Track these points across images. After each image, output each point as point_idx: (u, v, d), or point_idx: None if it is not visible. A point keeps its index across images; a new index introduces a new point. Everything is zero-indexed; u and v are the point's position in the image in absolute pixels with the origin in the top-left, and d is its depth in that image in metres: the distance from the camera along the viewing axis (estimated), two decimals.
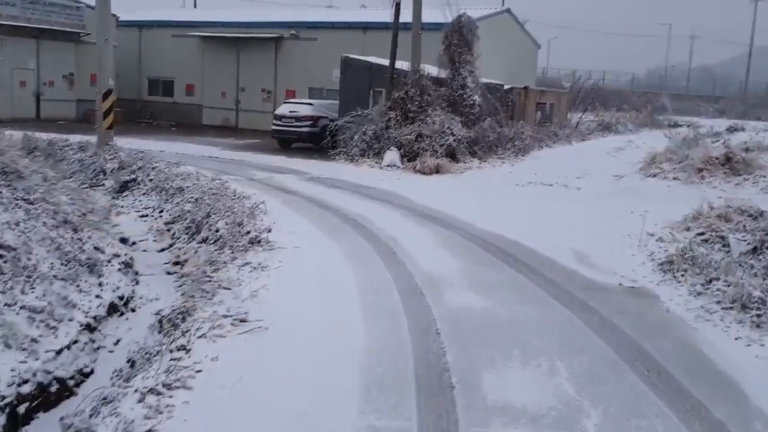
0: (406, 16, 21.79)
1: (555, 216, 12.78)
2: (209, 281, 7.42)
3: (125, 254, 10.36)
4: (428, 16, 22.24)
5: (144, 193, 14.95)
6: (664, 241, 10.50)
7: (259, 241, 8.92)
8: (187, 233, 11.38)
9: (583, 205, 14.12)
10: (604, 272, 8.89)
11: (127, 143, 22.93)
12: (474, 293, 7.49)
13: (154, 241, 12.43)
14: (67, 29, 31.02)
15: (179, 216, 12.00)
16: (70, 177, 17.55)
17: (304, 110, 23.80)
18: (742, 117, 42.93)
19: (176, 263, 10.47)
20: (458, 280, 8.03)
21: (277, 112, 24.44)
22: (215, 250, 9.57)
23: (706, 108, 51.23)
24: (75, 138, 20.17)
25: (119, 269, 9.60)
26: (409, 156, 19.17)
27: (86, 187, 16.91)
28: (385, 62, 21.90)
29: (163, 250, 11.76)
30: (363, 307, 6.94)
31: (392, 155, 19.07)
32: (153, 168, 15.77)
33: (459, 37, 21.83)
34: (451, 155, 19.20)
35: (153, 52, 34.89)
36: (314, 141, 23.06)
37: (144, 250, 11.85)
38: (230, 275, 7.51)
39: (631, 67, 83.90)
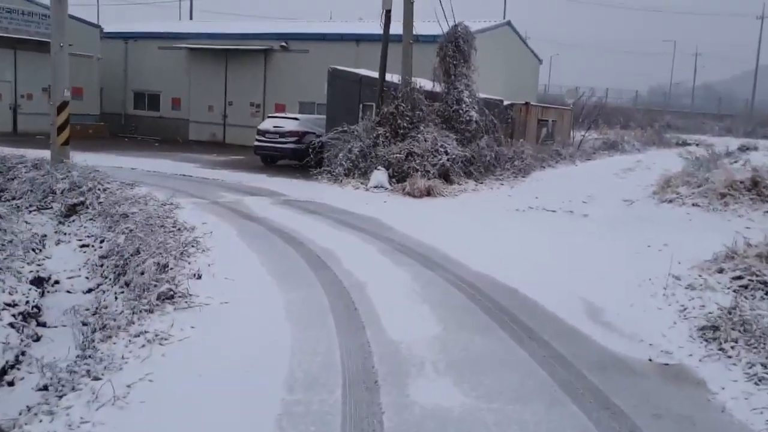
0: (399, 28, 19.75)
1: (560, 251, 10.62)
2: (87, 359, 5.26)
3: (28, 302, 8.23)
4: (423, 28, 20.18)
5: (90, 219, 12.85)
6: (695, 288, 8.32)
7: (172, 297, 6.73)
8: (114, 272, 9.25)
9: (591, 236, 11.96)
10: (626, 337, 6.71)
11: (97, 160, 20.91)
12: (452, 382, 5.26)
13: (87, 278, 10.32)
14: (46, 40, 29.01)
15: (111, 250, 9.88)
16: (20, 198, 15.56)
17: (289, 125, 21.73)
18: (750, 135, 40.88)
19: (95, 312, 8.33)
20: (434, 356, 5.82)
21: (260, 126, 22.36)
22: (133, 298, 7.43)
23: (711, 126, 49.20)
24: (36, 154, 18.13)
25: (11, 323, 7.47)
26: (399, 176, 17.05)
27: (34, 210, 14.84)
28: (376, 75, 19.84)
29: (90, 291, 9.64)
30: (282, 418, 4.63)
31: (380, 175, 16.94)
32: (104, 189, 13.67)
33: (455, 48, 19.75)
34: (445, 176, 17.07)
35: (139, 64, 32.93)
36: (300, 158, 20.97)
37: (68, 291, 9.73)
38: (115, 351, 5.33)
39: (634, 84, 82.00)
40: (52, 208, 14.30)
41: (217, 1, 50.17)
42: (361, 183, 17.10)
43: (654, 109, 55.42)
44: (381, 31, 19.81)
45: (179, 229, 9.67)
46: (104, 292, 9.03)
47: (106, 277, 9.46)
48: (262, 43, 29.70)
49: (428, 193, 15.97)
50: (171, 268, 7.69)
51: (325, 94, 21.69)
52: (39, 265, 10.30)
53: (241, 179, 18.03)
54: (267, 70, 29.93)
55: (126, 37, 33.14)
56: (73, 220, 13.39)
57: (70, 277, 10.38)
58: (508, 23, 30.42)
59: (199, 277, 7.48)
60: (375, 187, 16.73)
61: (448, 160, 17.21)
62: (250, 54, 29.92)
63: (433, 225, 12.53)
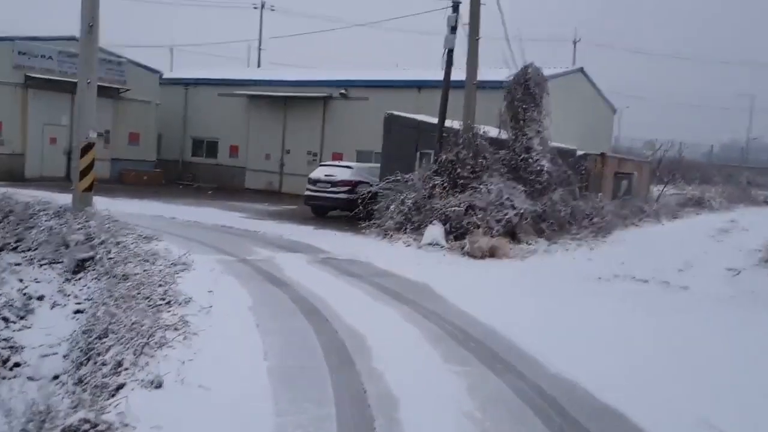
0: (461, 75, 17.40)
1: (664, 343, 7.79)
2: None
3: None
4: (487, 74, 17.78)
5: (95, 278, 10.68)
6: None
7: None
8: (82, 355, 6.91)
9: (699, 319, 9.08)
10: None
11: (139, 207, 19.14)
12: None
13: (64, 356, 8.03)
14: (106, 84, 27.86)
15: (87, 325, 7.57)
16: (36, 249, 13.62)
17: (342, 174, 19.48)
18: None
19: (30, 419, 5.96)
20: None
21: (311, 175, 20.18)
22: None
23: None
24: (62, 200, 16.31)
25: None
26: (457, 233, 14.45)
27: (45, 264, 12.84)
28: (436, 120, 17.48)
29: (56, 377, 7.32)
30: None
31: (435, 231, 14.38)
32: (117, 243, 11.51)
33: (524, 91, 17.23)
34: (511, 234, 14.38)
35: (198, 111, 31.52)
36: (352, 209, 18.63)
37: (30, 378, 7.44)
38: None
39: (704, 139, 77.53)
40: (63, 262, 12.29)
41: (280, 51, 49.25)
42: (414, 239, 14.56)
43: (730, 164, 51.33)
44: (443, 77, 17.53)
45: (168, 303, 7.26)
46: (63, 384, 6.69)
47: (74, 361, 7.14)
48: (321, 90, 27.85)
49: (491, 253, 13.30)
50: (125, 369, 5.26)
51: (381, 143, 19.49)
52: (6, 341, 8.08)
53: (284, 232, 15.73)
54: (325, 118, 27.99)
55: (186, 83, 31.86)
56: (80, 278, 11.27)
57: (44, 355, 8.12)
58: (581, 70, 27.74)
59: (159, 386, 5.03)
60: (429, 244, 14.17)
61: (515, 215, 14.54)
62: (309, 101, 28.09)
63: (497, 298, 9.85)
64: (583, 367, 6.50)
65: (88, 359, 6.38)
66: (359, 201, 17.17)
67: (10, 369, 7.40)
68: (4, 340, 8.05)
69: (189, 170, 31.60)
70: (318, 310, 8.23)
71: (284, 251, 12.97)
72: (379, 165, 19.58)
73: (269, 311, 8.01)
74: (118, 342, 6.07)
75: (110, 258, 10.92)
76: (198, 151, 31.80)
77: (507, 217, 14.43)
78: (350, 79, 27.54)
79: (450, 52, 16.77)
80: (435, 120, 17.63)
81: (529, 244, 14.34)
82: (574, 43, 50.98)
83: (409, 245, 14.26)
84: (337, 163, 21.61)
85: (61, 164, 27.34)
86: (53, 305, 10.22)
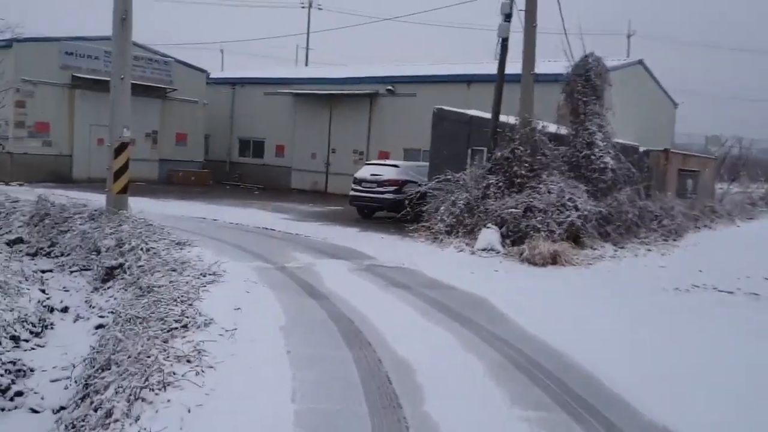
0: (516, 68, 16.00)
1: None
2: None
3: None
4: (542, 67, 16.30)
5: (122, 288, 9.68)
6: None
7: None
8: (82, 389, 5.82)
9: None
10: None
11: (182, 209, 18.28)
12: None
13: (75, 382, 6.96)
14: (152, 84, 27.25)
15: (93, 352, 6.50)
16: (68, 254, 12.80)
17: (388, 173, 18.25)
18: None
19: None
20: None
21: (356, 175, 19.00)
22: None
23: None
24: (100, 202, 15.50)
25: None
26: (514, 237, 13.07)
27: (76, 270, 11.98)
28: (488, 115, 16.10)
29: (61, 410, 6.25)
30: None
31: (489, 235, 13.03)
32: (147, 249, 10.50)
33: (585, 82, 15.73)
34: (574, 238, 12.93)
35: (245, 111, 30.70)
36: (399, 210, 17.39)
37: (33, 410, 6.38)
38: None
39: (764, 134, 73.94)
40: (93, 268, 11.39)
41: (327, 51, 48.30)
42: (466, 244, 13.23)
43: None
44: (494, 71, 16.15)
45: (185, 326, 6.12)
46: (61, 423, 5.60)
47: (77, 393, 6.06)
48: (367, 87, 26.68)
49: (553, 260, 11.88)
50: (115, 420, 4.12)
51: (430, 140, 18.19)
52: (12, 364, 7.06)
53: (328, 235, 14.58)
54: (372, 116, 26.81)
55: (233, 82, 31.08)
56: (109, 287, 10.31)
57: (54, 380, 7.08)
58: (641, 62, 25.90)
59: None
60: (483, 249, 12.82)
61: (578, 217, 13.07)
62: (355, 99, 26.95)
63: (567, 316, 8.46)
64: (683, 412, 5.13)
65: (85, 397, 5.28)
66: (406, 202, 15.93)
67: (11, 399, 6.37)
68: (11, 363, 7.04)
69: (236, 170, 30.83)
70: (359, 331, 7.00)
71: (326, 257, 11.80)
72: (427, 163, 18.31)
73: (303, 333, 6.80)
74: (120, 376, 4.95)
75: (140, 266, 9.91)
76: (245, 152, 31.00)
77: (569, 219, 12.97)
78: (397, 75, 26.31)
79: (504, 41, 15.35)
80: (487, 115, 16.25)
81: (594, 249, 12.86)
82: (628, 36, 48.78)
83: (461, 250, 12.94)
84: (383, 161, 20.41)
85: None
86: (76, 318, 9.26)
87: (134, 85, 26.57)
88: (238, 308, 7.05)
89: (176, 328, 5.94)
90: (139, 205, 19.03)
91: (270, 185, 28.72)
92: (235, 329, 6.22)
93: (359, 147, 26.94)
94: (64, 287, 11.16)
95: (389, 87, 26.06)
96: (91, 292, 10.60)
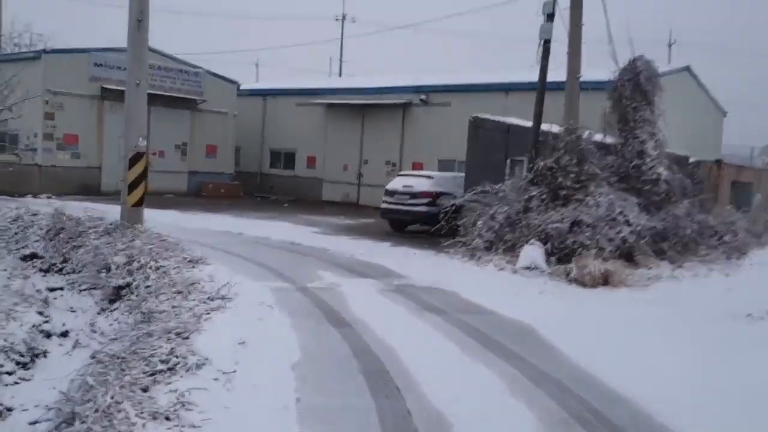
0: (558, 75, 14.77)
1: None
2: None
3: None
4: (585, 74, 14.96)
5: (127, 310, 8.68)
6: None
7: None
8: None
9: None
10: None
11: (207, 222, 17.35)
12: None
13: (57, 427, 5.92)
14: (182, 96, 26.57)
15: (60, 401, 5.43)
16: (80, 271, 11.87)
17: (421, 185, 17.09)
18: None
19: None
20: None
21: (388, 186, 17.89)
22: None
23: None
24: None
25: None
26: (560, 254, 11.79)
27: (86, 289, 11.03)
28: (528, 124, 14.87)
29: None
30: None
31: (533, 252, 11.77)
32: (157, 268, 9.49)
33: (634, 87, 14.37)
34: (626, 256, 11.60)
35: (276, 122, 29.87)
36: (433, 224, 16.21)
37: None
38: None
39: None
40: (103, 287, 10.43)
41: (361, 63, 47.47)
42: (507, 261, 11.97)
43: None
44: (534, 79, 14.95)
45: (172, 368, 5.02)
46: None
47: None
48: (400, 97, 25.60)
49: (605, 280, 10.57)
50: None
51: (466, 150, 17.02)
52: None
53: (356, 250, 13.46)
54: (405, 126, 25.71)
55: (264, 93, 30.30)
56: (115, 308, 9.32)
57: (33, 423, 6.05)
58: (687, 69, 24.35)
59: None
60: (526, 268, 11.56)
61: (631, 233, 11.74)
62: (388, 109, 25.88)
63: (629, 349, 7.16)
64: None
65: None
66: (441, 215, 14.75)
67: None
68: (20, 382, 6.03)
69: (267, 182, 29.98)
70: (386, 371, 5.83)
71: (353, 276, 10.67)
72: (463, 174, 17.11)
73: (319, 373, 5.66)
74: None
75: (147, 286, 8.89)
76: (276, 163, 30.13)
77: (621, 235, 11.64)
78: (431, 84, 25.17)
79: (546, 43, 14.11)
80: (527, 123, 15.02)
81: (649, 269, 11.49)
82: (669, 45, 46.97)
83: (501, 269, 11.69)
84: (416, 172, 19.29)
85: None
86: (75, 345, 8.24)
87: (164, 96, 26.15)
88: (243, 342, 5.94)
89: (161, 371, 4.86)
90: (163, 218, 18.22)
91: (301, 197, 27.79)
92: (235, 371, 5.11)
93: (392, 158, 25.84)
94: (70, 307, 10.21)
95: (423, 96, 24.95)
96: (98, 313, 9.63)
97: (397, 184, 17.59)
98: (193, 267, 9.51)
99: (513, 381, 5.79)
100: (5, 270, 10.37)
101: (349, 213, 22.75)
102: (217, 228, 16.43)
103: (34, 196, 22.76)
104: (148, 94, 25.12)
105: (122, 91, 24.52)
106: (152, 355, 5.10)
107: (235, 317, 6.85)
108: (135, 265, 9.77)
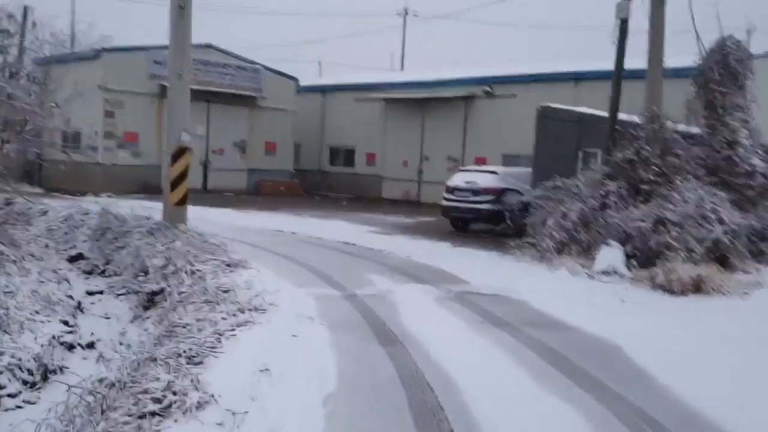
0: (636, 63, 13.22)
1: None
2: None
3: None
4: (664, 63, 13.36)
5: (158, 319, 7.78)
6: None
7: None
8: None
9: None
10: None
11: (260, 220, 16.52)
12: None
13: None
14: (241, 92, 25.94)
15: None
16: (122, 273, 11.15)
17: (485, 180, 15.81)
18: None
19: None
20: None
21: (449, 183, 16.67)
22: None
23: None
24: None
25: None
26: (642, 257, 10.34)
27: (124, 293, 10.26)
28: (602, 113, 13.39)
29: None
30: None
31: (611, 254, 10.35)
32: (193, 272, 8.57)
33: (722, 70, 12.72)
34: (720, 259, 10.05)
35: (335, 118, 29.00)
36: (498, 222, 14.92)
37: None
38: None
39: None
40: (137, 293, 9.62)
41: (423, 59, 46.17)
42: (582, 265, 10.58)
43: None
44: (606, 67, 13.44)
45: (164, 409, 3.98)
46: None
47: None
48: (462, 89, 24.28)
49: (696, 287, 9.08)
50: None
51: (533, 142, 15.62)
52: None
53: (414, 251, 12.30)
54: (467, 120, 24.38)
55: (323, 89, 29.47)
56: (148, 317, 8.46)
57: None
58: None
59: None
60: (603, 272, 10.16)
61: (724, 233, 10.18)
62: (449, 102, 24.59)
63: (740, 374, 5.78)
64: None
65: None
66: (507, 213, 13.46)
67: None
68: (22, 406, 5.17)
69: (326, 180, 29.13)
70: (440, 407, 4.65)
71: (408, 281, 9.51)
72: (530, 169, 15.72)
73: (356, 411, 4.53)
74: None
75: (181, 293, 7.97)
76: (335, 160, 29.26)
77: (713, 235, 10.09)
78: (495, 75, 23.75)
79: (624, 23, 12.58)
80: (601, 112, 13.55)
81: (747, 273, 9.91)
82: (748, 32, 43.80)
83: (575, 273, 10.31)
84: (479, 167, 18.00)
85: (198, 176, 25.62)
86: (99, 358, 7.38)
87: (223, 93, 25.57)
88: (267, 369, 4.85)
89: (152, 414, 3.82)
90: (217, 216, 17.51)
91: (360, 195, 26.81)
92: (247, 412, 4.03)
93: (454, 153, 24.55)
94: (105, 314, 9.43)
95: (487, 88, 23.57)
96: (131, 321, 8.80)
97: (458, 180, 16.35)
98: (232, 271, 8.55)
99: (602, 424, 4.53)
100: (40, 272, 9.67)
101: (408, 211, 21.61)
102: (271, 227, 15.57)
103: (96, 195, 22.50)
104: (207, 91, 24.93)
105: None
106: (146, 391, 4.08)
107: (265, 334, 5.80)
108: (170, 268, 8.89)
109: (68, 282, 10.49)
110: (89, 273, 11.88)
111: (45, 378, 6.37)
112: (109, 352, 7.50)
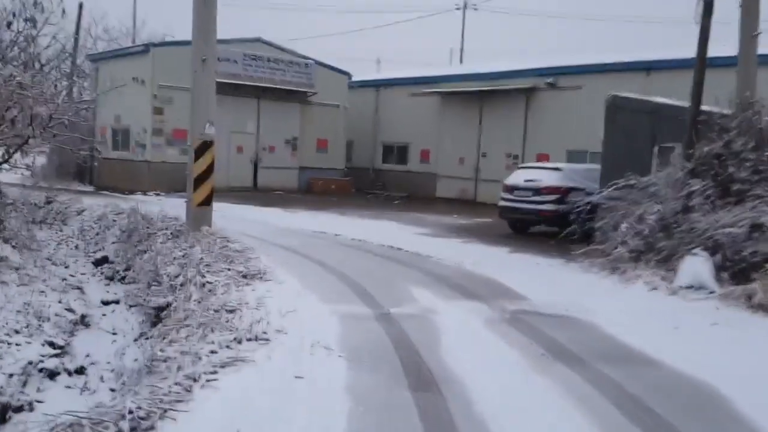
0: (720, 50, 11.38)
1: None
2: None
3: None
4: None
5: (159, 339, 6.57)
6: None
7: None
8: None
9: None
10: None
11: (304, 223, 15.31)
12: None
13: None
14: (292, 88, 24.87)
15: None
16: (139, 281, 10.08)
17: (548, 178, 14.18)
18: None
19: None
20: None
21: (507, 181, 15.09)
22: None
23: None
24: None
25: None
26: (734, 269, 8.58)
27: (133, 306, 9.19)
28: (681, 103, 11.59)
29: None
30: None
31: (697, 266, 8.64)
32: (203, 285, 7.34)
33: None
34: None
35: (389, 114, 27.65)
36: (563, 225, 13.22)
37: None
38: None
39: None
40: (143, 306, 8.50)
41: (482, 53, 44.35)
42: (662, 277, 8.90)
43: None
44: (680, 56, 11.63)
45: None
46: None
47: None
48: (523, 81, 22.53)
49: None
50: None
51: (601, 137, 13.90)
52: None
53: (466, 258, 10.82)
54: (528, 114, 22.63)
55: (377, 84, 28.15)
56: (151, 336, 7.28)
57: None
58: None
59: None
60: (688, 287, 8.47)
61: None
62: (509, 95, 22.88)
63: None
64: None
65: None
66: (572, 215, 11.82)
67: None
68: None
69: (379, 178, 27.83)
70: None
71: (456, 296, 8.06)
72: (598, 166, 13.98)
73: None
74: None
75: (186, 309, 6.75)
76: (389, 158, 27.91)
77: None
78: (559, 66, 21.90)
79: (708, 0, 10.74)
80: (680, 102, 11.74)
81: None
82: None
83: (654, 288, 8.65)
84: (540, 164, 16.31)
85: (249, 174, 24.75)
86: (83, 390, 6.23)
87: (274, 89, 24.52)
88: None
89: None
90: (262, 216, 16.45)
91: (414, 194, 25.40)
92: None
93: (513, 150, 22.84)
94: (113, 329, 8.35)
95: (549, 80, 21.78)
96: (135, 340, 7.66)
97: (517, 178, 14.76)
98: (247, 284, 7.29)
99: None
100: (45, 281, 8.65)
101: (463, 211, 20.07)
102: (314, 228, 14.35)
103: (144, 193, 21.85)
104: (257, 87, 23.95)
105: (232, 85, 23.47)
106: None
107: (255, 379, 4.46)
108: (180, 279, 7.69)
109: (81, 290, 9.49)
110: (110, 279, 10.92)
111: (3, 419, 5.22)
112: (96, 380, 6.35)
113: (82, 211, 15.51)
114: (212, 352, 4.83)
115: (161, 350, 5.05)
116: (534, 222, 14.58)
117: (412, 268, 9.98)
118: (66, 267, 11.25)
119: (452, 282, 8.90)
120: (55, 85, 11.79)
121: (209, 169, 10.10)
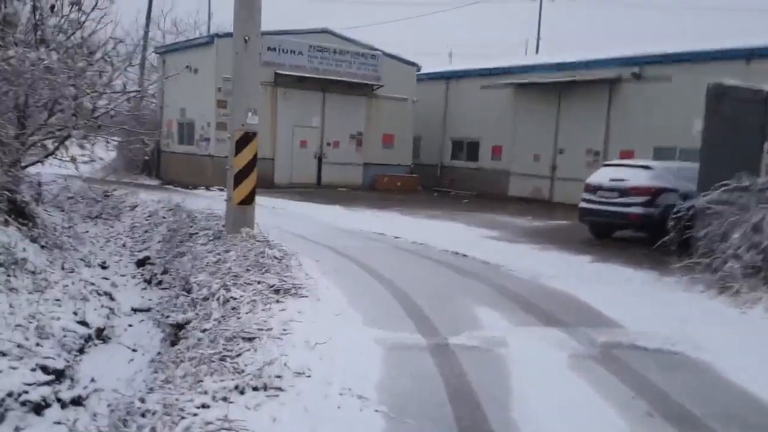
0: None
1: None
2: None
3: None
4: None
5: (175, 357, 5.39)
6: None
7: None
8: None
9: None
10: None
11: (362, 223, 14.05)
12: None
13: None
14: (358, 81, 23.64)
15: None
16: (173, 287, 9.02)
17: (636, 177, 12.39)
18: None
19: None
20: None
21: (589, 180, 13.35)
22: None
23: None
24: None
25: None
26: None
27: (158, 318, 8.10)
28: None
29: None
30: None
31: None
32: (227, 301, 6.12)
33: None
34: None
35: (458, 108, 26.04)
36: (653, 231, 11.42)
37: None
38: None
39: None
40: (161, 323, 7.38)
41: (560, 44, 42.00)
42: None
43: None
44: None
45: None
46: None
47: None
48: (606, 72, 20.54)
49: None
50: None
51: (695, 136, 12.02)
52: None
53: (542, 269, 9.27)
54: (611, 107, 20.62)
55: (447, 76, 26.58)
56: (163, 358, 6.12)
57: None
58: None
59: None
60: None
61: None
62: (590, 87, 20.93)
63: None
64: None
65: None
66: (666, 220, 10.05)
67: None
68: None
69: (447, 175, 26.30)
70: None
71: (531, 320, 6.56)
72: (693, 164, 12.08)
73: None
74: None
75: (204, 330, 5.54)
76: (458, 154, 26.31)
77: None
78: (645, 55, 19.79)
79: None
80: None
81: None
82: None
83: None
84: (628, 161, 14.44)
85: (312, 170, 23.68)
86: (71, 427, 5.09)
87: (339, 81, 23.31)
88: None
89: None
90: (322, 215, 15.29)
91: (484, 192, 23.77)
92: None
93: (594, 146, 20.88)
94: (134, 344, 7.26)
95: (635, 70, 19.73)
96: (151, 361, 6.53)
97: (601, 177, 13.01)
98: (278, 301, 6.01)
99: None
100: (66, 287, 7.66)
101: (538, 212, 18.35)
102: (373, 229, 13.08)
103: (207, 188, 21.11)
104: (323, 79, 22.80)
105: (297, 77, 22.44)
106: None
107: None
108: (204, 292, 6.51)
109: (110, 296, 8.48)
110: (148, 282, 9.94)
111: None
112: (87, 419, 5.21)
113: (135, 206, 14.76)
114: (202, 406, 3.57)
115: (141, 400, 3.83)
116: (620, 226, 12.83)
117: (478, 280, 8.51)
118: (104, 268, 10.37)
119: (526, 300, 7.39)
120: (100, 74, 10.77)
121: (251, 164, 8.94)
